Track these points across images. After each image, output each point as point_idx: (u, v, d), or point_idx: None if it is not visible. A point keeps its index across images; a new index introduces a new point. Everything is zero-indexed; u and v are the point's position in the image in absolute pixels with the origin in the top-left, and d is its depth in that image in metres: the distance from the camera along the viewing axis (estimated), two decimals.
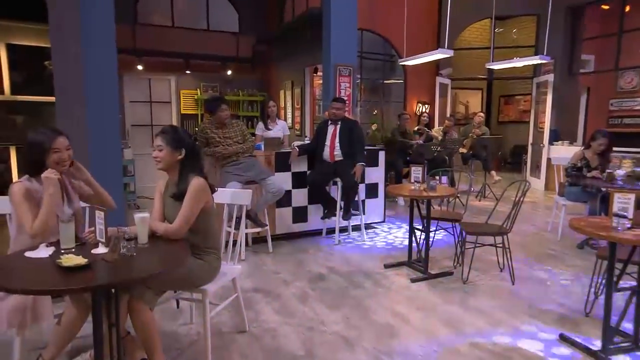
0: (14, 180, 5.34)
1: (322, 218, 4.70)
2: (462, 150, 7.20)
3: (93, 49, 3.82)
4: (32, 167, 2.11)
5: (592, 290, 2.96)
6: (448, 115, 8.79)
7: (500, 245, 3.51)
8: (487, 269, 3.79)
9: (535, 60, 6.93)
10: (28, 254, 1.83)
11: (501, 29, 10.59)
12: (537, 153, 8.31)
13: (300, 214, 4.72)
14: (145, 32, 8.82)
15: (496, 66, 7.50)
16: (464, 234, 3.55)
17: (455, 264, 3.84)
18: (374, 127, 7.47)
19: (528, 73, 9.02)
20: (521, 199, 3.27)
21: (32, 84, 5.69)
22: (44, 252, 1.83)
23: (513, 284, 3.44)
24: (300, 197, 4.69)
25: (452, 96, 9.96)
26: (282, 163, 4.54)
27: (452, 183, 6.51)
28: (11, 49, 5.51)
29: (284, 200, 4.57)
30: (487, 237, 3.59)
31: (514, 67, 7.69)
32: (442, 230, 4.21)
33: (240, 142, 4.13)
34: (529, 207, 6.40)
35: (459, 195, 4.33)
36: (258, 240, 4.41)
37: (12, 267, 1.74)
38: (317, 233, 4.84)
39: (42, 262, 1.74)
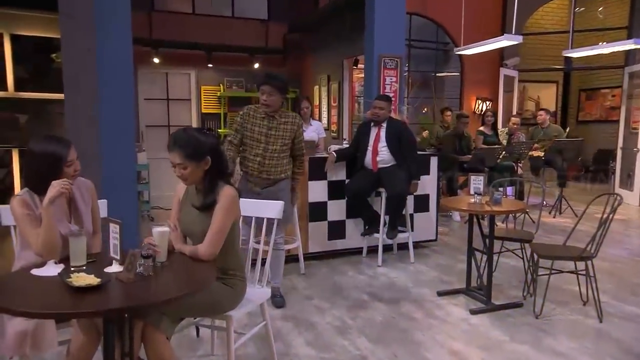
0: (16, 188, 5.59)
1: (363, 235, 4.69)
2: (537, 152, 7.00)
3: (108, 41, 3.99)
4: (44, 181, 2.12)
5: None
6: (514, 113, 8.59)
7: (583, 272, 3.37)
8: (566, 301, 3.66)
9: (628, 45, 6.67)
10: (35, 271, 1.91)
11: (583, 8, 10.26)
12: (629, 159, 7.97)
13: (337, 230, 4.72)
14: (162, 20, 9.14)
15: (576, 54, 7.28)
16: (535, 257, 3.45)
17: (525, 294, 3.73)
18: (425, 134, 7.37)
19: (618, 61, 8.69)
20: (610, 216, 3.14)
21: (38, 79, 5.85)
22: (52, 269, 1.91)
23: (600, 321, 3.30)
24: (337, 210, 4.69)
25: (520, 91, 9.75)
26: (316, 170, 4.56)
27: (520, 195, 6.33)
28: (15, 41, 5.59)
29: (319, 213, 4.59)
30: (565, 263, 3.46)
31: (600, 55, 7.44)
32: (508, 253, 4.11)
33: (282, 149, 3.46)
34: (620, 226, 6.13)
35: (528, 210, 4.21)
36: (288, 260, 4.41)
37: (16, 286, 1.82)
38: (356, 252, 4.83)
39: (50, 281, 1.82)
